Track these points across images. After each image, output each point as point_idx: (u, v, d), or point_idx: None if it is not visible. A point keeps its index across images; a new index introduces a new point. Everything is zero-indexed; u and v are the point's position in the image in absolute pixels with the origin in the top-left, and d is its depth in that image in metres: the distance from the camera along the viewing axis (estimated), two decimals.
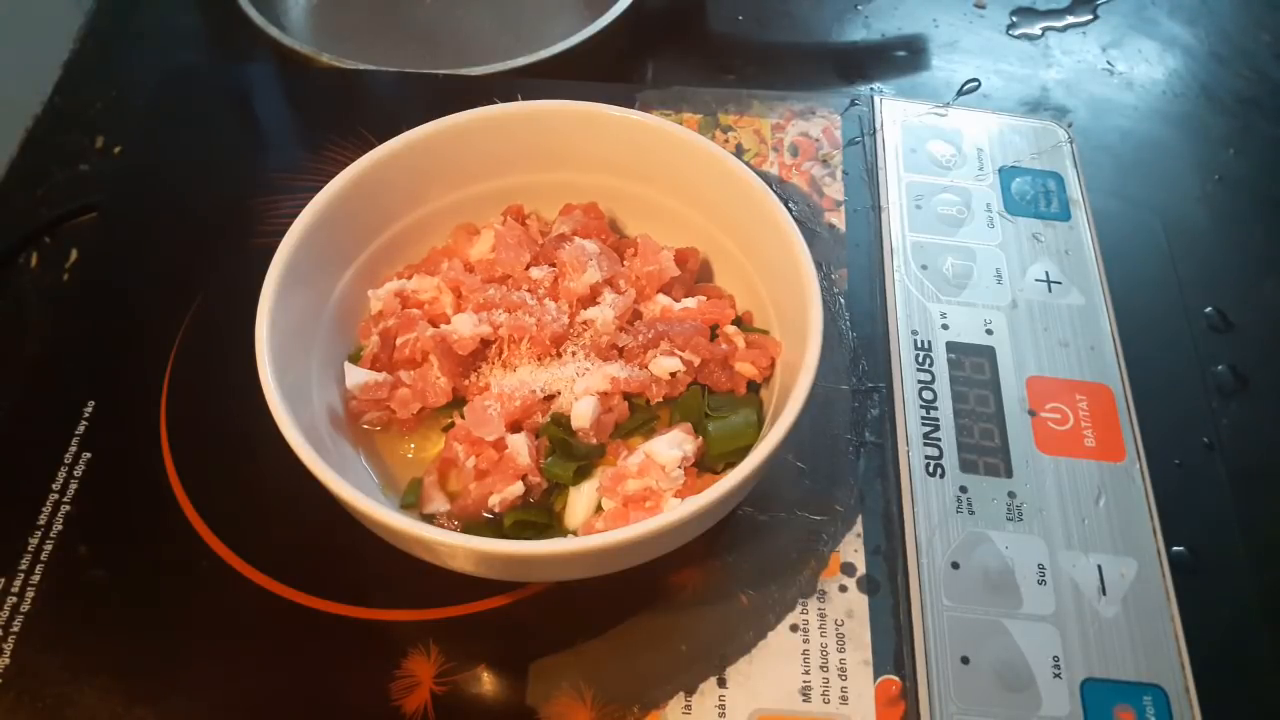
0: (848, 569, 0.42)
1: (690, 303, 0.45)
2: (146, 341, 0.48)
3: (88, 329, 0.49)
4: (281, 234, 0.41)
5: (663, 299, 0.45)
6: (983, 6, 0.69)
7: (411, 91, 0.57)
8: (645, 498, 0.39)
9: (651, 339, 0.43)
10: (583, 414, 0.41)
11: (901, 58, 0.66)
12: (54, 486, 0.44)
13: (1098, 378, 0.47)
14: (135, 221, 0.53)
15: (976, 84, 0.64)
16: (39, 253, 0.55)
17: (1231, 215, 0.59)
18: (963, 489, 0.44)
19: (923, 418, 0.46)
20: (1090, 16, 0.69)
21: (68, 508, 0.43)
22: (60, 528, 0.43)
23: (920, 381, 0.47)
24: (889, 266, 0.51)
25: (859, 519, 0.43)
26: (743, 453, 0.37)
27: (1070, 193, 0.54)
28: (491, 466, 0.40)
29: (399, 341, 0.43)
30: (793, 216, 0.42)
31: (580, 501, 0.41)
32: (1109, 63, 0.66)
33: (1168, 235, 0.56)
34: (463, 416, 0.41)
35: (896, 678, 0.40)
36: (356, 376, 0.42)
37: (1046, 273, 0.51)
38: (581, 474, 0.41)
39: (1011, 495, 0.44)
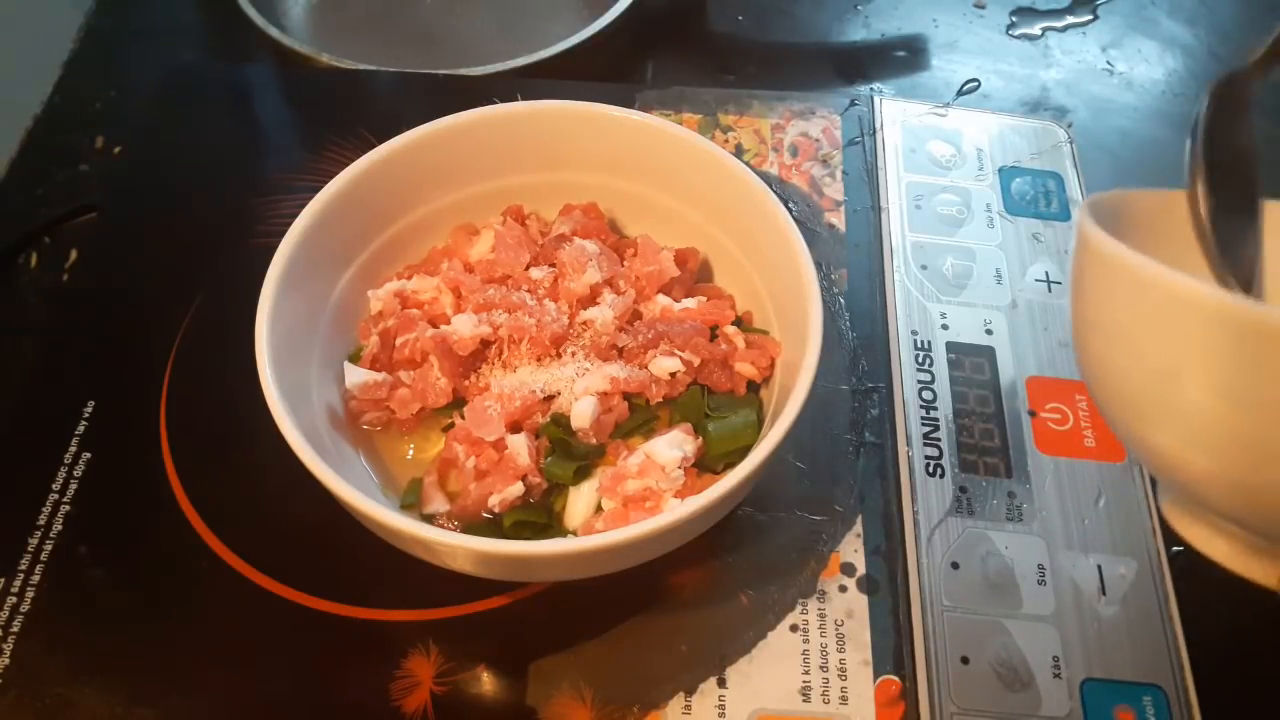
0: (848, 569, 0.42)
1: (690, 303, 0.45)
2: (146, 341, 0.48)
3: (88, 329, 0.49)
4: (281, 234, 0.41)
5: (663, 299, 0.45)
6: (983, 6, 0.69)
7: (411, 91, 0.57)
8: (645, 498, 0.39)
9: (651, 339, 0.43)
10: (583, 414, 0.41)
11: (901, 58, 0.66)
12: (54, 486, 0.44)
13: None
14: (135, 221, 0.53)
15: (976, 84, 0.64)
16: (39, 253, 0.55)
17: None
18: (963, 489, 0.44)
19: (923, 418, 0.46)
20: (1090, 16, 0.69)
21: (68, 508, 0.43)
22: (60, 528, 0.43)
23: (920, 381, 0.47)
24: (889, 266, 0.51)
25: (859, 519, 0.43)
26: (743, 453, 0.37)
27: (1070, 193, 0.54)
28: (491, 467, 0.40)
29: (399, 342, 0.43)
30: (793, 216, 0.42)
31: (580, 502, 0.41)
32: (1109, 63, 0.66)
33: None
34: (463, 417, 0.41)
35: (896, 678, 0.40)
36: (356, 376, 0.42)
37: (1046, 273, 0.51)
38: (581, 474, 0.41)
39: (1011, 495, 0.44)
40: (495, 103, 0.46)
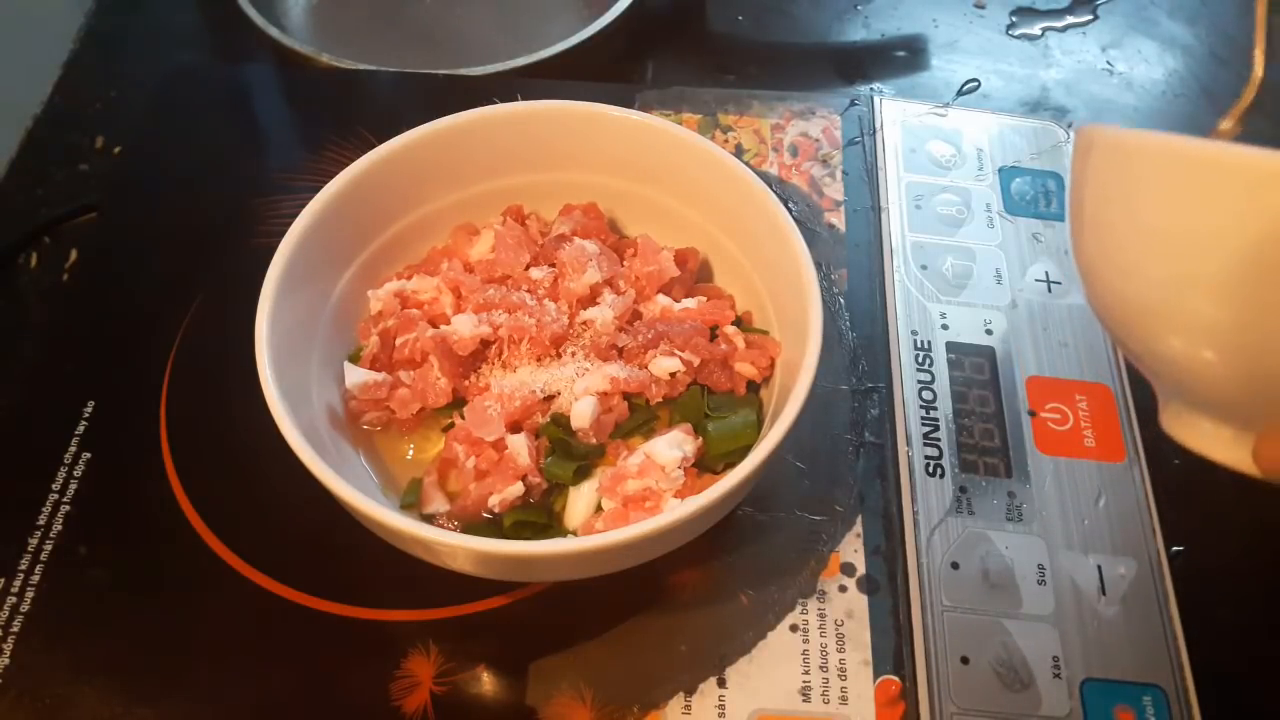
0: (847, 569, 0.42)
1: (690, 303, 0.45)
2: (146, 341, 0.48)
3: (88, 329, 0.49)
4: (281, 234, 0.41)
5: (663, 299, 0.45)
6: (983, 6, 0.69)
7: (411, 91, 0.57)
8: (645, 498, 0.39)
9: (651, 339, 0.43)
10: (582, 414, 0.41)
11: (901, 58, 0.66)
12: (54, 486, 0.44)
13: (1098, 378, 0.47)
14: (135, 221, 0.53)
15: (976, 84, 0.64)
16: (39, 253, 0.55)
17: None
18: (963, 489, 0.44)
19: (923, 418, 0.46)
20: (1090, 16, 0.69)
21: (68, 508, 0.43)
22: (60, 528, 0.43)
23: (920, 381, 0.47)
24: (889, 266, 0.51)
25: (859, 519, 0.43)
26: (743, 453, 0.37)
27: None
28: (491, 467, 0.40)
29: (399, 342, 0.43)
30: (793, 216, 0.42)
31: (580, 501, 0.41)
32: (1109, 63, 0.66)
33: None
34: (463, 417, 0.41)
35: (896, 678, 0.40)
36: (356, 376, 0.42)
37: (1046, 273, 0.51)
38: (581, 474, 0.41)
39: (1011, 495, 0.44)
40: (495, 103, 0.46)
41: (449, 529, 0.39)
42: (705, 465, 0.41)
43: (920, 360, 0.48)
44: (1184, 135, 0.29)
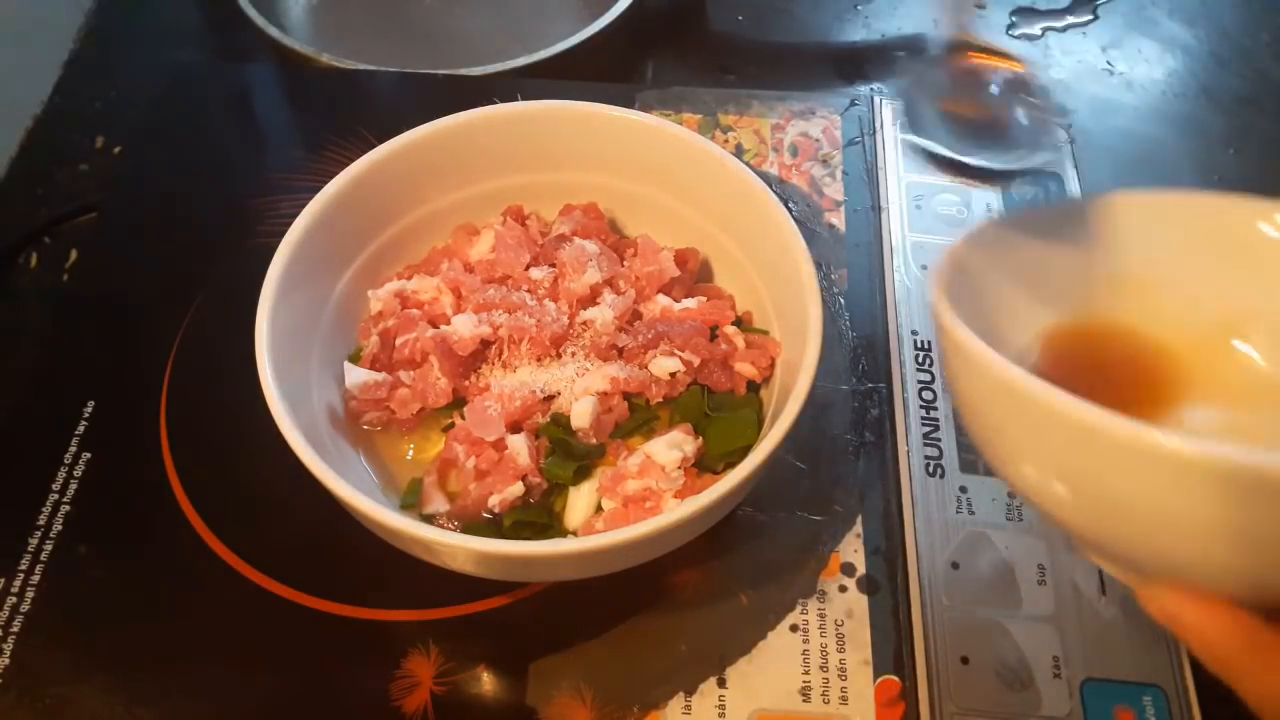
0: (848, 569, 0.42)
1: (690, 303, 0.45)
2: (146, 341, 0.48)
3: (88, 329, 0.49)
4: (281, 234, 0.41)
5: (663, 299, 0.45)
6: (983, 6, 0.69)
7: (411, 91, 0.57)
8: (645, 498, 0.39)
9: (651, 339, 0.43)
10: (582, 414, 0.41)
11: (901, 58, 0.66)
12: (54, 486, 0.44)
13: None
14: (135, 221, 0.53)
15: None
16: (39, 253, 0.55)
17: None
18: (963, 489, 0.44)
19: (923, 418, 0.46)
20: (1090, 16, 0.69)
21: (68, 508, 0.43)
22: (60, 528, 0.43)
23: (920, 381, 0.47)
24: (889, 266, 0.51)
25: (859, 519, 0.43)
26: (743, 453, 0.37)
27: (1070, 192, 0.54)
28: (491, 467, 0.40)
29: (399, 342, 0.43)
30: (793, 216, 0.42)
31: (580, 502, 0.41)
32: (1109, 63, 0.66)
33: None
34: (463, 417, 0.41)
35: (896, 678, 0.40)
36: (356, 376, 0.42)
37: None
38: (581, 474, 0.41)
39: (1011, 495, 0.44)
40: (495, 103, 0.46)
41: (449, 529, 0.39)
42: (705, 465, 0.41)
43: (920, 360, 0.48)
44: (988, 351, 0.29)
